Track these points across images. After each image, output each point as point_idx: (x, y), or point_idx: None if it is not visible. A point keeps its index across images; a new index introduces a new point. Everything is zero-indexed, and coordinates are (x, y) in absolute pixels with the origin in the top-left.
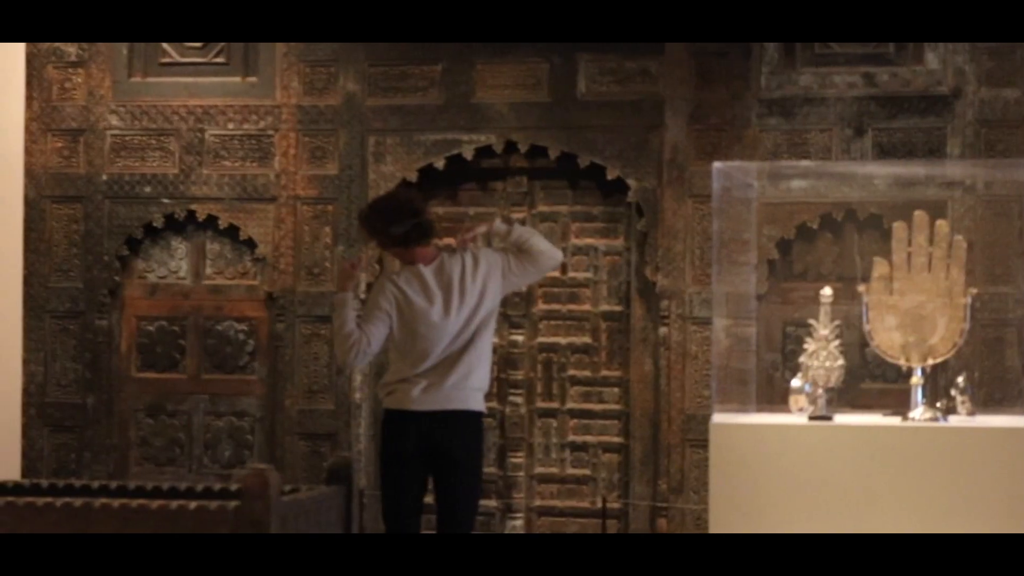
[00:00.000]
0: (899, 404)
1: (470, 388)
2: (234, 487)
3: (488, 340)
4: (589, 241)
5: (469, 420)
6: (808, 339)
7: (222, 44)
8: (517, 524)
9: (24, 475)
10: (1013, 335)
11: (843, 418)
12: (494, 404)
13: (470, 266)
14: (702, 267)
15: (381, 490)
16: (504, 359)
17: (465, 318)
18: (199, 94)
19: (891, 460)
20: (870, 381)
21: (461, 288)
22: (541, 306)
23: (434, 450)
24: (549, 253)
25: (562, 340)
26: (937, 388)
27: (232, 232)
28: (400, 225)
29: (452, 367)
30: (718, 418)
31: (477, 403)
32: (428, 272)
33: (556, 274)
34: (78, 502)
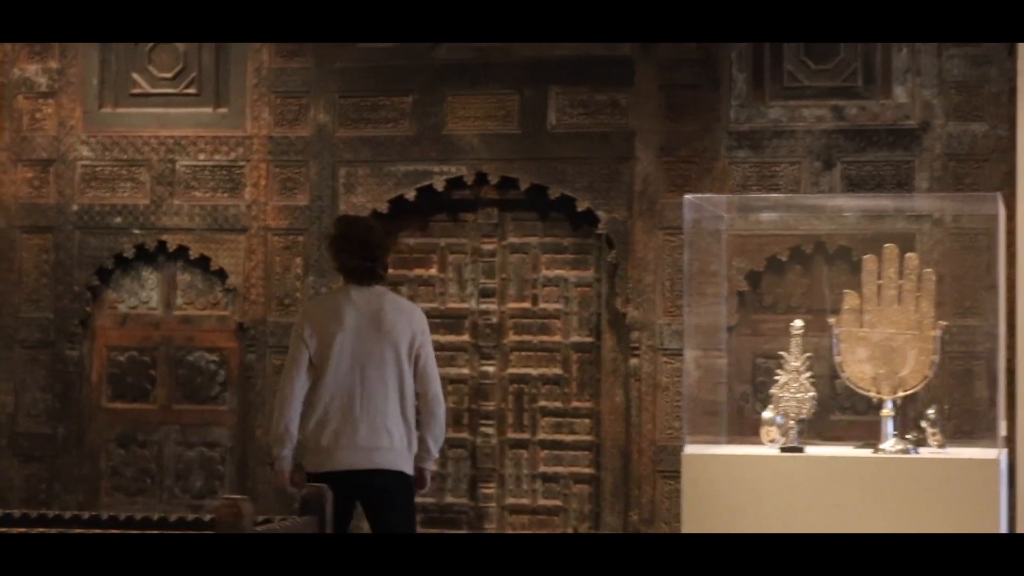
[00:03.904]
0: (869, 436)
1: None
2: (207, 518)
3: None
4: (559, 272)
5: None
6: (779, 371)
7: (193, 74)
8: None
9: None
10: (982, 367)
11: (814, 449)
12: (465, 435)
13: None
14: (672, 299)
15: None
16: (475, 390)
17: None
18: (170, 125)
19: (862, 491)
20: (840, 413)
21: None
22: (512, 337)
23: None
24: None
25: (533, 371)
26: (907, 420)
27: (203, 263)
28: (353, 259)
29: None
30: (690, 449)
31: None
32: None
33: (527, 305)
34: (52, 532)
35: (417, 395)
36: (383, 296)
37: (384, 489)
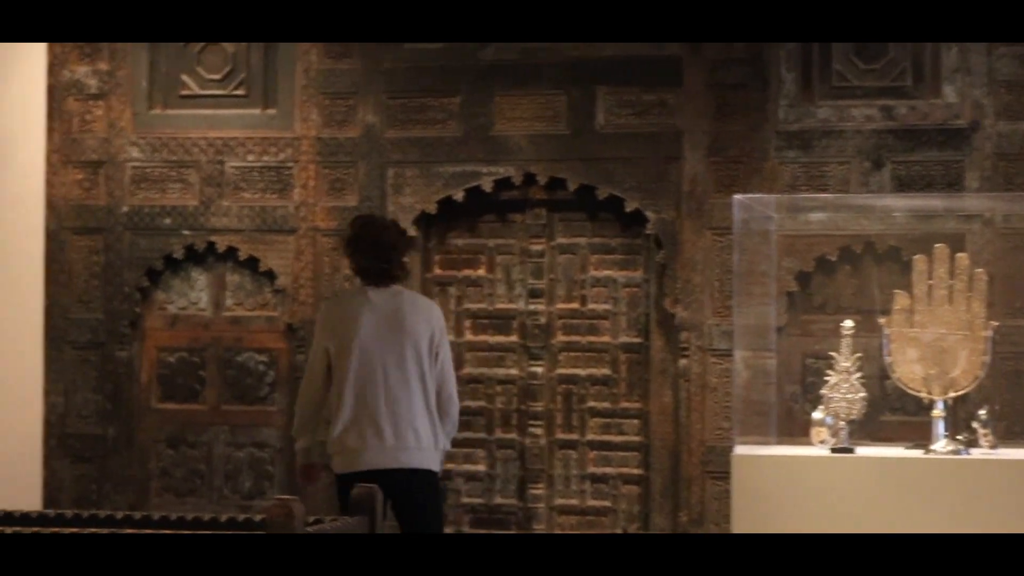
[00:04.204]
0: (919, 437)
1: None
2: (258, 518)
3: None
4: (608, 273)
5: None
6: (829, 371)
7: (242, 76)
8: None
9: (46, 505)
10: None
11: (865, 450)
12: (514, 435)
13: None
14: (721, 299)
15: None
16: (524, 390)
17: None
18: (219, 126)
19: (913, 492)
20: (890, 414)
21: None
22: (560, 338)
23: None
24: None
25: (582, 372)
26: (958, 421)
27: (252, 263)
28: (368, 260)
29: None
30: (740, 450)
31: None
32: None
33: (576, 305)
34: (104, 532)
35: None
36: (400, 295)
37: (410, 488)
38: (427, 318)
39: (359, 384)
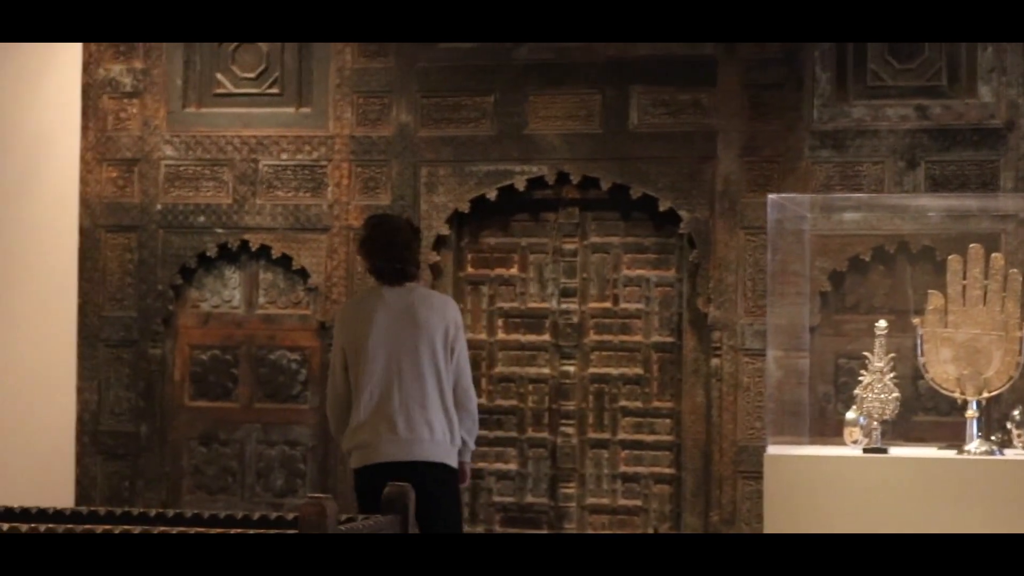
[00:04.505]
0: (952, 437)
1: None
2: (291, 516)
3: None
4: (641, 272)
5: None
6: (863, 371)
7: (276, 75)
8: None
9: (78, 502)
10: None
11: (898, 451)
12: (545, 434)
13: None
14: (754, 299)
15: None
16: (555, 389)
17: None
18: (253, 125)
19: (947, 493)
20: (923, 414)
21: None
22: (592, 337)
23: None
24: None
25: (614, 371)
26: (992, 421)
27: (285, 262)
28: (381, 260)
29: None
30: (772, 450)
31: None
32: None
33: (608, 305)
34: (137, 530)
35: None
36: (413, 292)
37: (424, 481)
38: (441, 314)
39: (373, 382)
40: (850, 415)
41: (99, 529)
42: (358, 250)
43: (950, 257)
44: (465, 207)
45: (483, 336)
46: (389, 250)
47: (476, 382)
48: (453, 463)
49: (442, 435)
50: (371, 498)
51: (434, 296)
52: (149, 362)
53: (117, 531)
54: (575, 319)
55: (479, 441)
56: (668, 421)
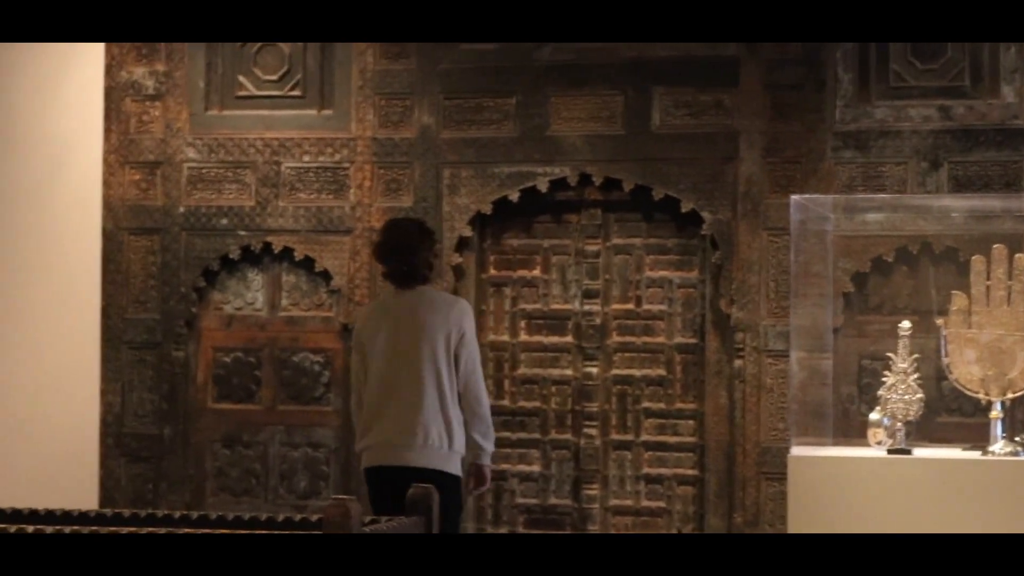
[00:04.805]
0: (976, 438)
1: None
2: (315, 518)
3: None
4: (663, 274)
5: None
6: (886, 372)
7: (298, 77)
8: None
9: (102, 505)
10: None
11: (922, 452)
12: (568, 436)
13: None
14: (777, 300)
15: None
16: (578, 391)
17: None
18: (275, 127)
19: (971, 494)
20: (947, 415)
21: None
22: (615, 338)
23: None
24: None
25: (636, 372)
26: (1016, 422)
27: (307, 264)
28: (391, 264)
29: None
30: (796, 451)
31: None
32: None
33: (631, 306)
34: (161, 532)
35: (460, 395)
36: (422, 295)
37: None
38: (444, 317)
39: (374, 386)
40: (874, 416)
41: (123, 531)
42: (372, 254)
43: (974, 258)
44: (487, 209)
45: (506, 338)
46: (396, 254)
47: (499, 383)
48: (449, 469)
49: (437, 441)
50: (378, 501)
51: (440, 299)
52: (172, 364)
53: (142, 533)
54: (598, 320)
55: (502, 443)
56: (691, 422)
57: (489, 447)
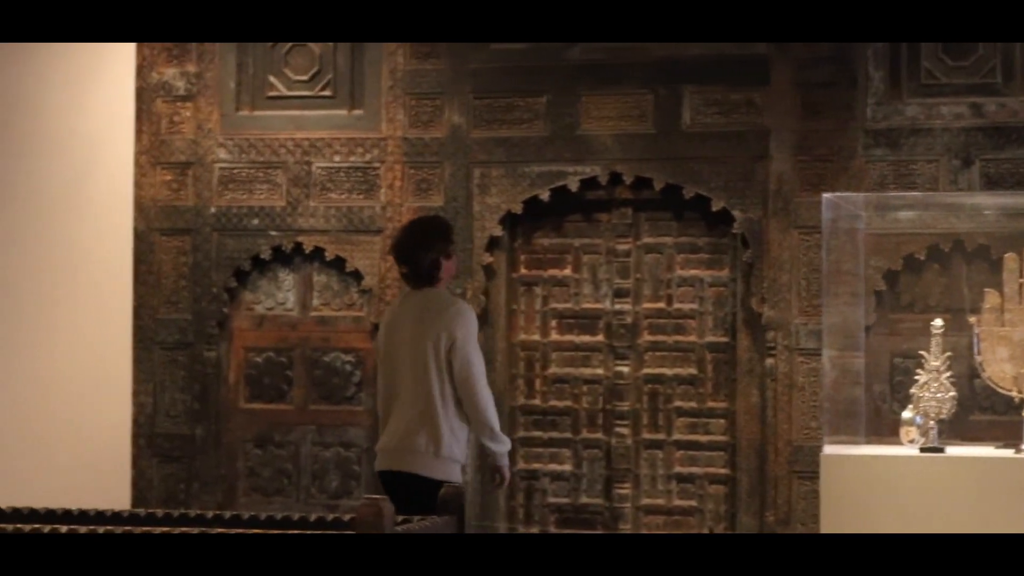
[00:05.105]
0: (1009, 436)
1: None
2: (347, 518)
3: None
4: (694, 272)
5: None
6: (919, 370)
7: (329, 77)
8: None
9: (134, 504)
10: None
11: (955, 450)
12: (600, 435)
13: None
14: (808, 298)
15: None
16: (609, 390)
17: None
18: (306, 127)
19: (1004, 492)
20: (980, 413)
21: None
22: (647, 337)
23: None
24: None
25: (668, 371)
26: None
27: (338, 264)
28: (400, 266)
29: None
30: (829, 449)
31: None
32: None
33: (662, 305)
34: (194, 532)
35: (460, 401)
36: (425, 297)
37: (407, 494)
38: (437, 321)
39: (382, 390)
40: (906, 414)
41: (156, 532)
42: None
43: (1006, 255)
44: (518, 208)
45: (536, 337)
46: (400, 255)
47: (530, 383)
48: (435, 475)
49: (423, 446)
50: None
51: (437, 302)
52: (204, 364)
53: (175, 533)
54: (629, 319)
55: (533, 442)
56: (723, 421)
57: (500, 448)
